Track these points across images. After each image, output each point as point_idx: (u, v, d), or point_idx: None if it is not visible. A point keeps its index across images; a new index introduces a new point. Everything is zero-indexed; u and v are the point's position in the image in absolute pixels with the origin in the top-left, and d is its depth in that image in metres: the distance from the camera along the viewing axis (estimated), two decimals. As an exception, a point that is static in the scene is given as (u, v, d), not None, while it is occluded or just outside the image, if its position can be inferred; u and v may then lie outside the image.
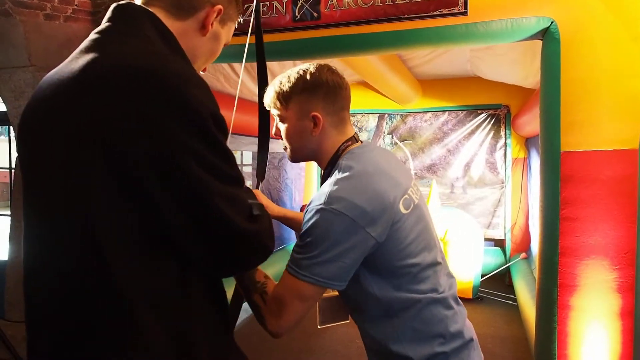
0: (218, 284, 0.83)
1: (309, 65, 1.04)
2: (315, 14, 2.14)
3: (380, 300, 0.97)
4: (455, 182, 4.94)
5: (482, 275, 4.27)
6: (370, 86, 4.58)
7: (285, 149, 1.09)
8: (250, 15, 2.25)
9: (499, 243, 4.79)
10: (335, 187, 0.93)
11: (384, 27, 2.06)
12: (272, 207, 1.23)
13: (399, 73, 3.92)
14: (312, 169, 5.40)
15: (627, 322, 1.81)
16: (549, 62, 1.90)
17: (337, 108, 1.04)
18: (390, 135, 5.17)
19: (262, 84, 1.29)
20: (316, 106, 1.02)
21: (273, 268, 4.40)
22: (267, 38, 2.26)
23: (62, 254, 0.68)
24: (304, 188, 5.37)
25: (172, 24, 0.78)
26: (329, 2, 2.11)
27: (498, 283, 4.43)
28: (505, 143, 4.70)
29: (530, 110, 3.53)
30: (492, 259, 4.58)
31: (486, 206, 4.84)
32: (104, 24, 0.75)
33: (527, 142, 4.50)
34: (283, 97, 1.03)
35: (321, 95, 1.02)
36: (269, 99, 1.06)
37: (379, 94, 4.76)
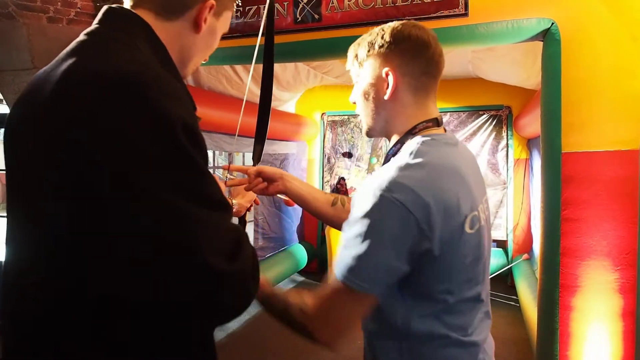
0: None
1: (395, 22, 0.90)
2: (316, 16, 2.15)
3: (398, 327, 0.84)
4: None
5: (484, 277, 4.26)
6: (371, 87, 4.57)
7: (360, 121, 0.97)
8: (253, 17, 2.26)
9: (501, 244, 4.78)
10: (403, 172, 0.78)
11: (385, 29, 2.07)
12: (294, 185, 1.18)
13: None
14: (314, 169, 5.40)
15: (628, 322, 1.81)
16: (550, 63, 1.90)
17: (418, 70, 0.87)
18: (392, 137, 5.17)
19: (267, 82, 1.28)
20: (391, 62, 0.87)
21: (274, 270, 4.42)
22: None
23: (34, 252, 0.68)
24: (306, 189, 5.37)
25: (163, 25, 0.76)
26: (330, 4, 2.11)
27: (500, 284, 4.43)
28: (507, 144, 4.69)
29: (532, 111, 3.52)
30: (494, 260, 4.58)
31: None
32: (93, 25, 0.74)
33: (529, 143, 4.50)
34: (360, 54, 0.91)
35: (399, 51, 0.87)
36: (348, 57, 0.95)
37: (380, 95, 4.76)
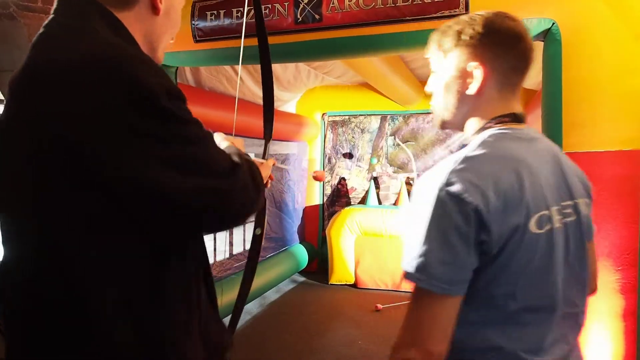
0: (192, 283, 0.80)
1: (484, 12, 0.84)
2: (316, 16, 2.15)
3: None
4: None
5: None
6: (372, 88, 4.58)
7: (432, 112, 0.91)
8: (253, 17, 2.26)
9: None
10: (462, 165, 0.74)
11: (386, 29, 2.07)
12: None
13: (401, 74, 3.92)
14: (315, 169, 5.40)
15: (630, 323, 1.80)
16: (551, 63, 1.90)
17: (508, 65, 0.82)
18: (393, 137, 5.17)
19: (267, 75, 1.31)
20: (481, 56, 0.81)
21: (275, 270, 4.42)
22: (269, 40, 2.26)
23: (22, 250, 0.70)
24: (306, 189, 5.37)
25: (121, 15, 0.76)
26: (331, 4, 2.11)
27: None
28: (508, 144, 4.69)
29: (533, 111, 3.52)
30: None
31: (489, 207, 4.83)
32: (49, 16, 0.74)
33: (530, 143, 4.49)
34: (444, 43, 0.85)
35: (490, 44, 0.81)
36: (429, 45, 0.88)
37: (381, 96, 4.76)
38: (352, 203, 5.28)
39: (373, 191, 5.05)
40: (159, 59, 0.86)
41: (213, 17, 2.33)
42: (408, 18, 2.00)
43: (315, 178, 1.51)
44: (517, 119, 0.84)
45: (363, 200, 5.21)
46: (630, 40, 1.77)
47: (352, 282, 4.53)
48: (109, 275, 0.67)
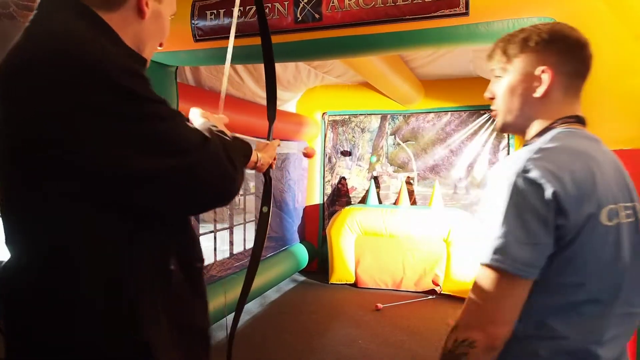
0: (159, 267, 0.80)
1: (547, 22, 0.91)
2: (316, 16, 2.14)
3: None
4: (458, 183, 4.93)
5: (485, 276, 4.26)
6: (372, 87, 4.58)
7: (494, 115, 0.95)
8: (253, 17, 2.26)
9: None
10: (537, 154, 0.77)
11: (386, 28, 2.06)
12: None
13: (401, 74, 3.92)
14: (315, 170, 5.40)
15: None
16: (551, 62, 1.90)
17: (573, 70, 0.88)
18: (393, 136, 5.17)
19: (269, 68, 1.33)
20: (548, 61, 0.86)
21: (275, 270, 4.42)
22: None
23: (19, 249, 0.72)
24: (307, 189, 5.37)
25: (107, 16, 0.77)
26: (331, 4, 2.11)
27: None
28: (509, 143, 4.69)
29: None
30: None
31: (489, 207, 4.82)
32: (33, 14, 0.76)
33: (530, 143, 4.49)
34: (509, 49, 0.90)
35: (556, 50, 0.87)
36: (492, 51, 0.93)
37: (381, 95, 4.76)
38: (352, 202, 5.28)
39: (373, 190, 5.05)
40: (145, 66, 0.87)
41: (213, 17, 2.33)
42: (408, 17, 2.00)
43: (306, 155, 1.50)
44: (580, 120, 0.89)
45: (363, 200, 5.21)
46: (630, 40, 1.76)
47: (352, 281, 4.53)
48: (95, 264, 0.70)
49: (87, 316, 0.69)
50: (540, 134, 0.88)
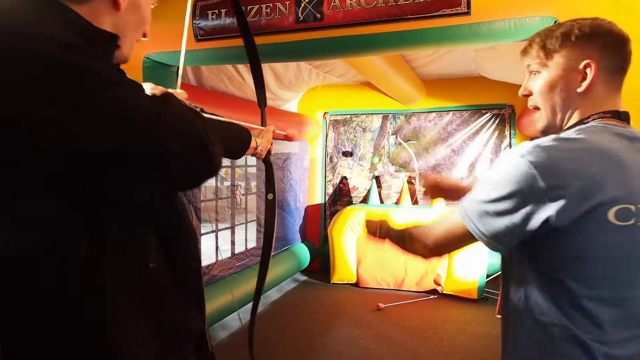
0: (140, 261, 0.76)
1: (588, 17, 0.88)
2: (318, 15, 2.14)
3: (523, 307, 0.84)
4: (459, 182, 4.92)
5: (488, 276, 4.26)
6: (374, 86, 4.58)
7: (535, 112, 0.92)
8: (255, 17, 2.26)
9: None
10: (549, 142, 0.77)
11: (387, 28, 2.06)
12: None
13: (402, 73, 3.91)
14: (316, 169, 5.40)
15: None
16: (553, 61, 1.89)
17: (615, 65, 0.86)
18: (395, 136, 5.17)
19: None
20: (590, 55, 0.84)
21: (277, 269, 4.42)
22: (270, 39, 2.27)
23: None
24: (308, 189, 5.37)
25: (79, 9, 0.73)
26: (332, 3, 2.11)
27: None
28: (510, 143, 4.68)
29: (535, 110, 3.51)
30: (497, 260, 4.56)
31: (491, 206, 4.82)
32: None
33: (532, 142, 4.48)
34: (548, 44, 0.87)
35: (599, 44, 0.85)
36: (528, 46, 0.91)
37: (383, 94, 4.76)
38: (353, 202, 5.28)
39: (375, 190, 5.05)
40: (124, 57, 0.82)
41: (214, 17, 2.33)
42: (409, 17, 1.99)
43: (287, 138, 1.48)
44: (619, 116, 0.87)
45: (365, 200, 5.20)
46: (634, 41, 1.75)
47: (354, 281, 4.53)
48: (57, 261, 0.67)
49: (49, 316, 0.67)
50: (573, 127, 0.86)
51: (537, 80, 0.90)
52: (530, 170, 0.74)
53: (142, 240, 0.76)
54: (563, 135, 0.81)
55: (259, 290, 1.38)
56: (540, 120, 0.93)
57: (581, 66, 0.84)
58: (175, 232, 0.83)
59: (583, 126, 0.85)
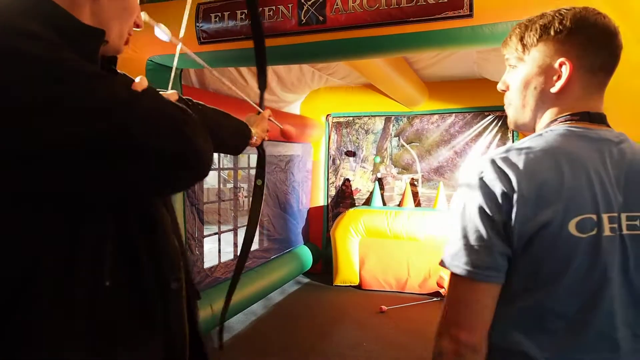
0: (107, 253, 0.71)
1: (572, 7, 0.79)
2: (320, 18, 2.15)
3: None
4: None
5: (490, 278, 4.24)
6: (376, 89, 4.58)
7: (507, 108, 0.86)
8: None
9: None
10: (503, 154, 0.73)
11: (390, 31, 2.06)
12: None
13: (405, 75, 3.92)
14: (319, 171, 5.40)
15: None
16: (556, 63, 1.89)
17: (597, 63, 0.77)
18: (397, 138, 5.17)
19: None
20: (568, 53, 0.76)
21: (279, 272, 4.42)
22: (273, 42, 2.27)
23: None
24: (311, 191, 5.38)
25: (59, 1, 0.70)
26: (335, 6, 2.11)
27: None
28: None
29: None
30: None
31: (494, 208, 4.81)
32: None
33: (535, 144, 4.47)
34: (526, 37, 0.81)
35: (579, 40, 0.76)
36: (508, 38, 0.84)
37: (385, 97, 4.76)
38: (356, 204, 5.28)
39: (377, 192, 5.05)
40: (115, 48, 0.79)
41: (217, 19, 2.34)
42: (412, 19, 2.00)
43: (283, 133, 1.43)
44: (590, 118, 0.78)
45: (367, 201, 5.20)
46: (634, 42, 1.75)
47: (357, 283, 4.53)
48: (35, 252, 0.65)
49: None
50: (547, 126, 0.81)
51: (514, 75, 0.84)
52: (483, 189, 0.71)
53: (97, 252, 0.69)
54: (516, 145, 0.76)
55: (238, 273, 1.34)
56: (510, 116, 0.87)
57: (556, 65, 0.77)
58: (154, 249, 0.76)
59: (542, 131, 0.79)
